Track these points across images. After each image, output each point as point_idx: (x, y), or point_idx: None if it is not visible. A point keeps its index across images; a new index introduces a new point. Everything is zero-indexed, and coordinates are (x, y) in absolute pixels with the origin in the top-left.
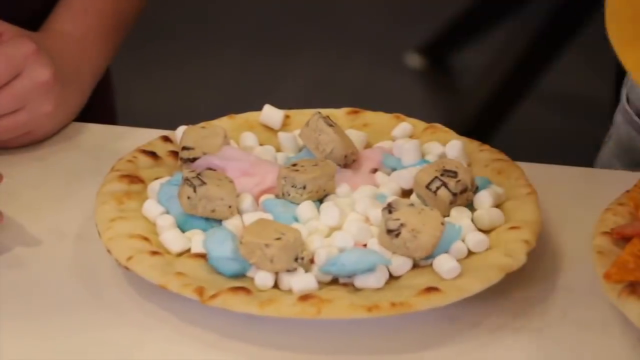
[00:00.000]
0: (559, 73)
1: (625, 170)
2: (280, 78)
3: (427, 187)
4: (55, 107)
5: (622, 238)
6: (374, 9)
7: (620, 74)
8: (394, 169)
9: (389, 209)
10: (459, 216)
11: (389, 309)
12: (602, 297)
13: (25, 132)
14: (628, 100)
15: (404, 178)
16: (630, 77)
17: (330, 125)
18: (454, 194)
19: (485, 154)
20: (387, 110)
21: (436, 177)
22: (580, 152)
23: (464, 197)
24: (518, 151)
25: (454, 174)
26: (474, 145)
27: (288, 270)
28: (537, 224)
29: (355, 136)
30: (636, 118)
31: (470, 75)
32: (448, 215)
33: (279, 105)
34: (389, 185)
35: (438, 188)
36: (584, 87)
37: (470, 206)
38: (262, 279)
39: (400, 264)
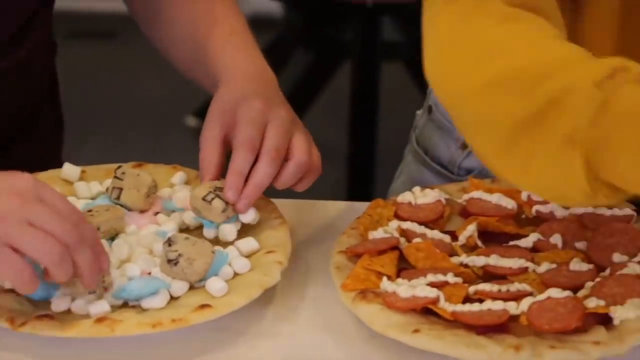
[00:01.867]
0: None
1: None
2: (77, 140)
3: (203, 199)
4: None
5: (354, 255)
6: (157, 80)
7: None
8: (173, 211)
9: (169, 242)
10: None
11: (170, 325)
12: (341, 303)
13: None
14: (417, 142)
15: (183, 216)
16: (418, 121)
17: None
18: (226, 203)
19: None
20: (171, 162)
21: (210, 192)
22: (322, 189)
23: (232, 208)
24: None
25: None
26: None
27: (90, 295)
28: (288, 247)
29: None
30: (424, 156)
31: None
32: (221, 223)
33: (76, 164)
34: (168, 224)
35: (213, 199)
36: (323, 135)
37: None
38: (57, 305)
39: (179, 287)
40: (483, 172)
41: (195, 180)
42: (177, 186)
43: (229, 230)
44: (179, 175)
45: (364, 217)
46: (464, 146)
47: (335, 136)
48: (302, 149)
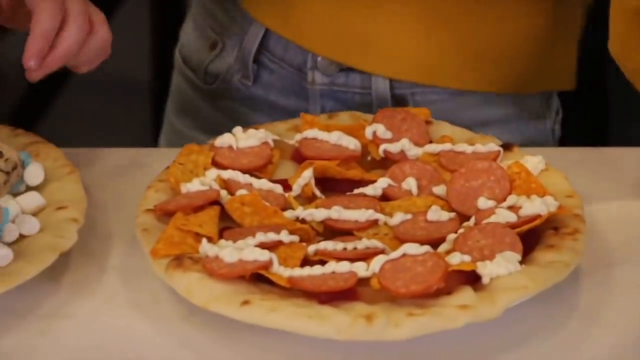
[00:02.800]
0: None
1: (168, 148)
2: None
3: None
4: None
5: (165, 214)
6: None
7: None
8: None
9: None
10: (4, 202)
11: None
12: (152, 273)
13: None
14: (180, 47)
15: None
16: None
17: None
18: (7, 173)
19: (20, 139)
20: None
21: None
22: (122, 133)
23: (16, 173)
24: (64, 136)
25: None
26: (6, 130)
27: None
28: (83, 202)
29: None
30: (182, 64)
31: (8, 66)
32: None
33: None
34: None
35: None
36: (122, 71)
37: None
38: None
39: None
40: (227, 76)
41: None
42: None
43: (34, 172)
44: None
45: (174, 167)
46: (213, 46)
47: (134, 65)
48: (104, 23)
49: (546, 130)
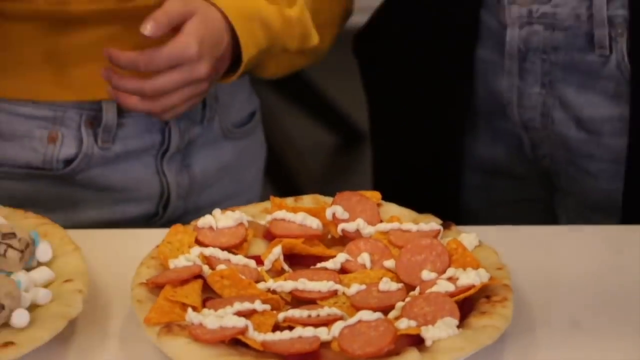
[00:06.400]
0: None
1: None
2: None
3: None
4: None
5: (156, 286)
6: None
7: None
8: None
9: None
10: (17, 276)
11: None
12: (147, 339)
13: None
14: None
15: None
16: None
17: None
18: (21, 251)
19: (30, 220)
20: None
21: (0, 242)
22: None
23: (29, 251)
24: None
25: (13, 235)
26: (18, 214)
27: None
28: (86, 275)
29: None
30: None
31: None
32: (18, 271)
33: None
34: None
35: (5, 250)
36: None
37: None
38: None
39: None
40: (84, 159)
41: None
42: None
43: (44, 250)
44: None
45: (163, 245)
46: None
47: None
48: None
49: None
